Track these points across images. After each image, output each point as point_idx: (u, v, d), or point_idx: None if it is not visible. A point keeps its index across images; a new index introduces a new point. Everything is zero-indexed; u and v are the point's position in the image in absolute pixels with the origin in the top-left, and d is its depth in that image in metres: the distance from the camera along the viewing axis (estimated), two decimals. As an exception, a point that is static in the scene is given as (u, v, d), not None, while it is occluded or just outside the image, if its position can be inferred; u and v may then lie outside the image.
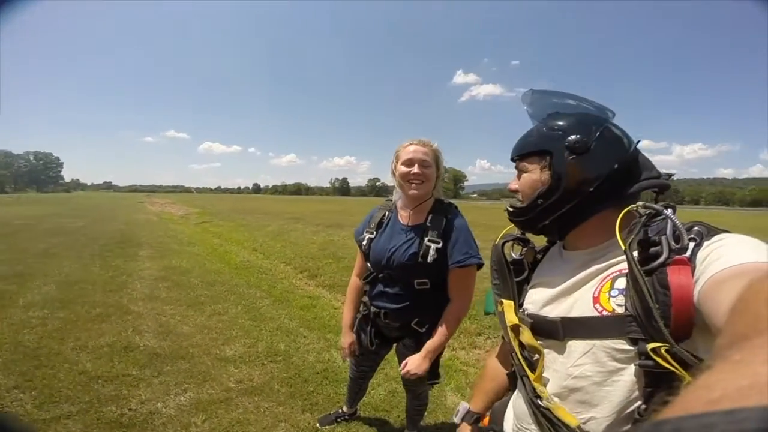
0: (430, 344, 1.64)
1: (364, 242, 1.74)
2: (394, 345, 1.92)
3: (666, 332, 0.60)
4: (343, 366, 2.92)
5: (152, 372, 2.84)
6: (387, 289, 1.71)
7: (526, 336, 0.83)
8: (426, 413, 2.30)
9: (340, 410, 2.40)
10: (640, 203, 0.75)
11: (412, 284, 1.66)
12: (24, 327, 3.51)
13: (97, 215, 17.33)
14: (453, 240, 1.60)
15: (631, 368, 0.68)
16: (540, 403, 0.78)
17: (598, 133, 0.81)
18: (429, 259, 1.56)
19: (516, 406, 0.91)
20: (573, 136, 0.81)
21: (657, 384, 0.64)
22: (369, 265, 1.78)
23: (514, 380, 0.96)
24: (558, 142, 0.82)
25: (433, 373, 1.75)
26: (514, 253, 0.99)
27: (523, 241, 0.99)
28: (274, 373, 2.96)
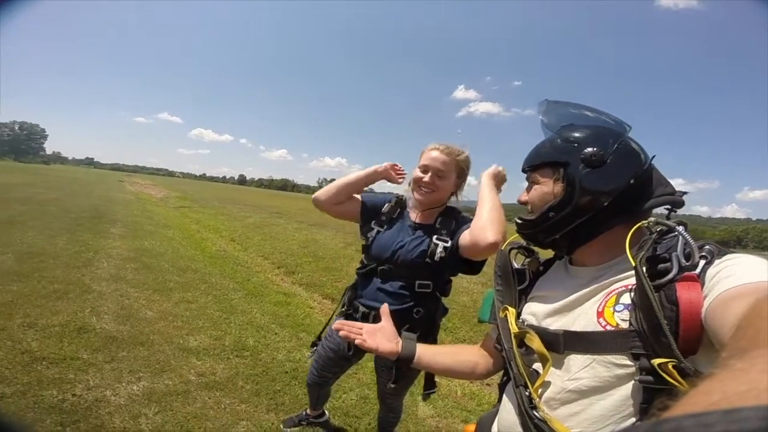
0: None
1: (371, 233, 1.64)
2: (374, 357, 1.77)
3: (675, 347, 0.59)
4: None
5: (105, 357, 2.62)
6: (384, 286, 1.58)
7: (536, 343, 0.79)
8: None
9: (304, 412, 2.23)
10: (651, 219, 0.74)
11: (413, 285, 1.57)
12: (-31, 298, 3.22)
13: (72, 189, 16.72)
14: (462, 229, 1.55)
15: (629, 384, 0.66)
16: (536, 414, 0.75)
17: (615, 147, 0.79)
18: (436, 257, 1.51)
19: (502, 418, 0.88)
20: (589, 149, 0.80)
21: (654, 401, 0.62)
22: (365, 256, 1.67)
23: (501, 392, 0.95)
24: (573, 154, 0.81)
25: (429, 382, 1.66)
26: (517, 262, 0.98)
27: (528, 251, 0.99)
28: (240, 369, 2.77)
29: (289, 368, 2.87)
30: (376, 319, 1.51)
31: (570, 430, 0.71)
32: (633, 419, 0.65)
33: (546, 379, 0.77)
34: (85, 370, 2.42)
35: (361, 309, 1.61)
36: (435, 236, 1.54)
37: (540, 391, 0.78)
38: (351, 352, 1.69)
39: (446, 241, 1.52)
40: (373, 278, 1.61)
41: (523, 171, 0.92)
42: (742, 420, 0.17)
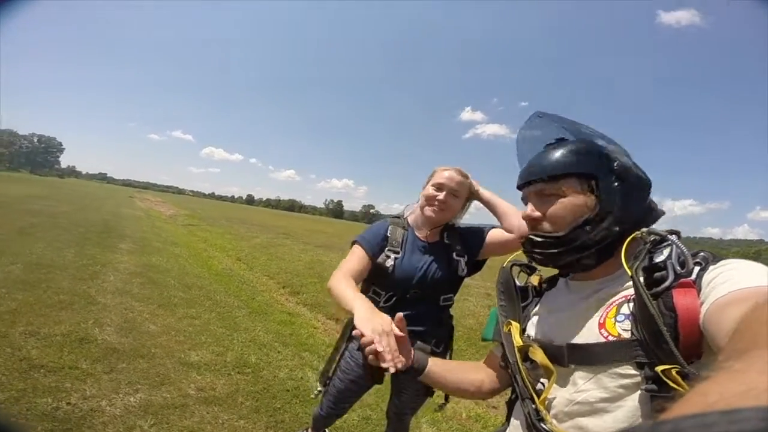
0: None
1: (389, 261, 1.56)
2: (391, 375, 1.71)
3: (677, 353, 0.59)
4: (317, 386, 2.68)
5: (104, 368, 2.57)
6: (413, 311, 1.53)
7: (540, 355, 0.78)
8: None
9: (305, 431, 2.14)
10: (644, 230, 0.75)
11: (438, 301, 1.60)
12: (-26, 304, 3.21)
13: (84, 203, 17.00)
14: (471, 235, 1.63)
15: (636, 394, 0.65)
16: (543, 426, 0.74)
17: (632, 162, 0.80)
18: (461, 273, 1.57)
19: None
20: (618, 162, 0.78)
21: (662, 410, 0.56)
22: (381, 286, 1.59)
23: (510, 410, 0.93)
24: (602, 166, 0.78)
25: (428, 387, 1.62)
26: (519, 280, 0.97)
27: (530, 269, 0.97)
28: (240, 385, 2.71)
29: (291, 386, 2.81)
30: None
31: None
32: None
33: (552, 393, 0.76)
34: (82, 379, 2.38)
35: None
36: (453, 253, 1.58)
37: (547, 404, 0.76)
38: (380, 383, 1.61)
39: (463, 256, 1.58)
40: (399, 306, 1.55)
41: (528, 183, 0.85)
42: (742, 420, 0.17)
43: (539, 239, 0.81)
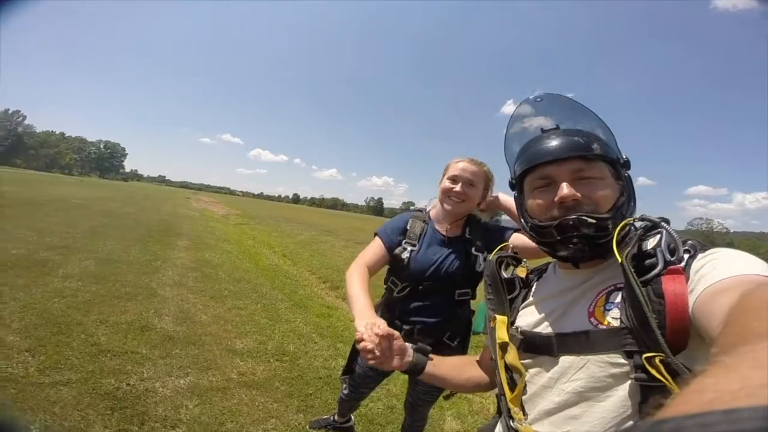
0: None
1: (405, 254, 1.60)
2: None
3: (662, 341, 0.58)
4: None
5: (160, 353, 2.89)
6: (426, 303, 1.61)
7: (511, 355, 0.79)
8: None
9: (332, 418, 2.31)
10: (636, 216, 0.74)
11: (453, 295, 1.62)
12: (56, 296, 3.68)
13: (146, 204, 18.40)
14: (495, 233, 1.62)
15: (626, 384, 0.64)
16: (512, 425, 0.76)
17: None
18: (478, 268, 1.57)
19: (497, 429, 0.89)
20: (619, 153, 0.81)
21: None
22: (399, 277, 1.64)
23: (499, 402, 0.94)
24: (617, 155, 0.81)
25: None
26: (506, 272, 0.95)
27: (516, 260, 0.97)
28: (278, 372, 2.94)
29: (324, 374, 3.00)
30: (421, 333, 1.58)
31: None
32: (634, 420, 0.63)
33: (544, 384, 0.76)
34: (141, 363, 2.69)
35: (405, 327, 1.60)
36: (472, 248, 1.58)
37: (537, 397, 0.76)
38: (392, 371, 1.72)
39: (483, 252, 1.57)
40: (414, 297, 1.62)
41: (558, 160, 0.77)
42: (742, 420, 0.17)
43: (592, 220, 0.72)
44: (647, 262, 0.66)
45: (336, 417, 2.28)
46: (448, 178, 1.60)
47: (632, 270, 0.64)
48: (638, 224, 0.73)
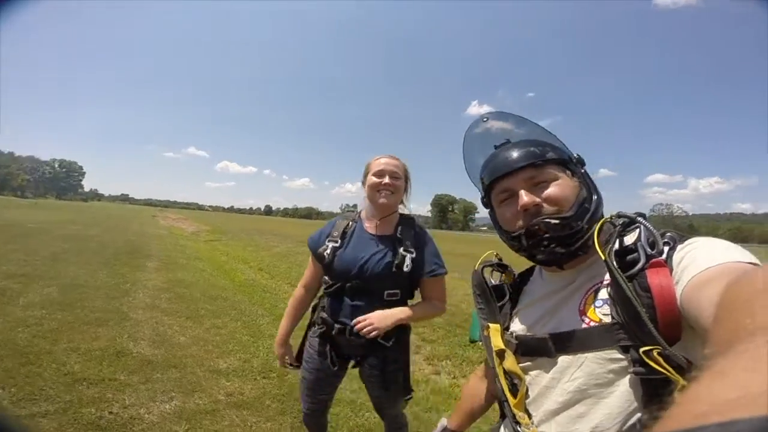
0: (398, 310, 1.58)
1: (328, 251, 1.63)
2: (357, 369, 1.76)
3: (656, 333, 0.59)
4: (340, 388, 2.78)
5: (140, 378, 2.75)
6: (355, 302, 1.60)
7: (509, 362, 0.79)
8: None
9: None
10: (614, 213, 0.75)
11: (382, 295, 1.60)
12: (19, 325, 3.46)
13: (110, 225, 17.64)
14: (426, 251, 1.64)
15: (627, 378, 0.65)
16: (519, 429, 0.76)
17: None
18: (405, 269, 1.56)
19: None
20: (571, 152, 0.85)
21: (654, 392, 0.62)
22: (329, 276, 1.66)
23: (501, 408, 0.94)
24: (568, 155, 0.83)
25: (406, 388, 1.71)
26: (493, 279, 0.96)
27: (502, 267, 0.97)
28: (267, 389, 2.85)
29: (314, 388, 2.91)
30: (353, 333, 1.55)
31: None
32: (639, 414, 0.64)
33: (546, 385, 0.76)
34: (122, 390, 2.55)
35: (337, 326, 1.61)
36: (401, 248, 1.59)
37: (541, 398, 0.77)
38: (336, 368, 1.68)
39: (412, 253, 1.59)
40: (343, 296, 1.62)
41: (512, 172, 0.80)
42: None
43: (555, 221, 0.75)
44: (629, 257, 0.67)
45: None
46: (373, 175, 1.63)
47: (616, 266, 0.65)
48: (616, 221, 0.74)
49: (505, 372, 0.81)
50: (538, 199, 0.77)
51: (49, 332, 3.38)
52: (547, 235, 0.75)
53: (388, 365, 1.63)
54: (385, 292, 1.59)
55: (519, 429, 0.76)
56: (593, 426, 0.67)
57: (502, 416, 0.94)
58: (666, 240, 0.67)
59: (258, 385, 2.90)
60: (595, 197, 0.79)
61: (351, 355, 1.70)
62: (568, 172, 0.80)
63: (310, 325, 1.77)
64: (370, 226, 1.68)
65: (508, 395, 0.79)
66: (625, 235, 0.71)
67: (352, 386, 2.72)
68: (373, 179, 1.63)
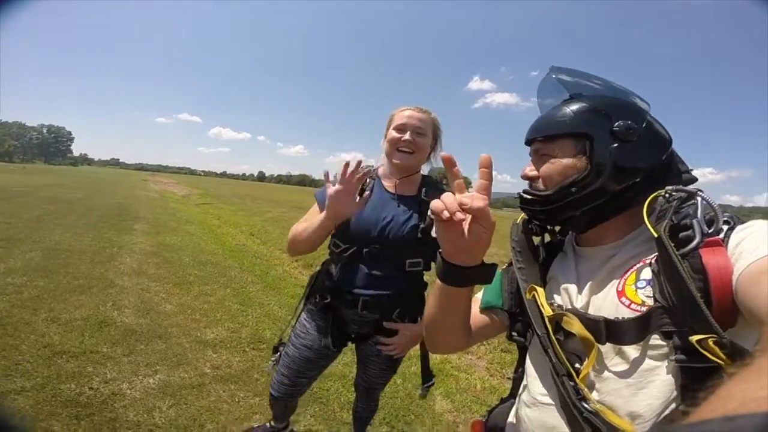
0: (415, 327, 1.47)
1: None
2: (354, 345, 1.62)
3: (712, 320, 0.53)
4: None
5: (123, 350, 2.64)
6: (372, 272, 1.42)
7: (576, 326, 0.69)
8: (414, 417, 2.12)
9: (268, 424, 1.91)
10: (669, 187, 0.69)
11: (403, 264, 1.43)
12: (-3, 293, 3.31)
13: (99, 188, 17.30)
14: None
15: (665, 365, 0.61)
16: (586, 406, 0.65)
17: (645, 122, 0.74)
18: (433, 234, 1.38)
19: (534, 417, 0.76)
20: (621, 121, 0.73)
21: (694, 381, 0.57)
22: (341, 239, 1.45)
23: (516, 386, 0.90)
24: (601, 127, 0.74)
25: (427, 374, 1.61)
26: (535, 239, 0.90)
27: (542, 229, 0.89)
28: (256, 362, 2.76)
29: (305, 361, 2.85)
30: (366, 306, 1.41)
31: (625, 422, 0.62)
32: (674, 405, 0.60)
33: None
34: (103, 363, 2.45)
35: (347, 298, 1.43)
36: (429, 210, 1.42)
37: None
38: (335, 348, 1.52)
39: None
40: (358, 263, 1.43)
41: (529, 142, 0.83)
42: (742, 427, 0.17)
43: (528, 197, 0.81)
44: (681, 235, 0.62)
45: (272, 423, 1.88)
46: (394, 129, 1.43)
47: (672, 244, 0.59)
48: (674, 195, 0.68)
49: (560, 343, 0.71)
50: (533, 173, 0.81)
51: (29, 300, 3.24)
52: (527, 207, 0.82)
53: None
54: (407, 261, 1.42)
55: (586, 406, 0.65)
56: (634, 416, 0.62)
57: (511, 395, 0.91)
58: (726, 219, 0.62)
59: (247, 357, 2.82)
60: (601, 178, 0.72)
61: (354, 332, 1.54)
62: (581, 148, 0.75)
63: (308, 296, 1.58)
64: (389, 185, 1.48)
65: (570, 369, 0.69)
66: (679, 211, 0.66)
67: (344, 359, 2.62)
68: (393, 134, 1.42)
